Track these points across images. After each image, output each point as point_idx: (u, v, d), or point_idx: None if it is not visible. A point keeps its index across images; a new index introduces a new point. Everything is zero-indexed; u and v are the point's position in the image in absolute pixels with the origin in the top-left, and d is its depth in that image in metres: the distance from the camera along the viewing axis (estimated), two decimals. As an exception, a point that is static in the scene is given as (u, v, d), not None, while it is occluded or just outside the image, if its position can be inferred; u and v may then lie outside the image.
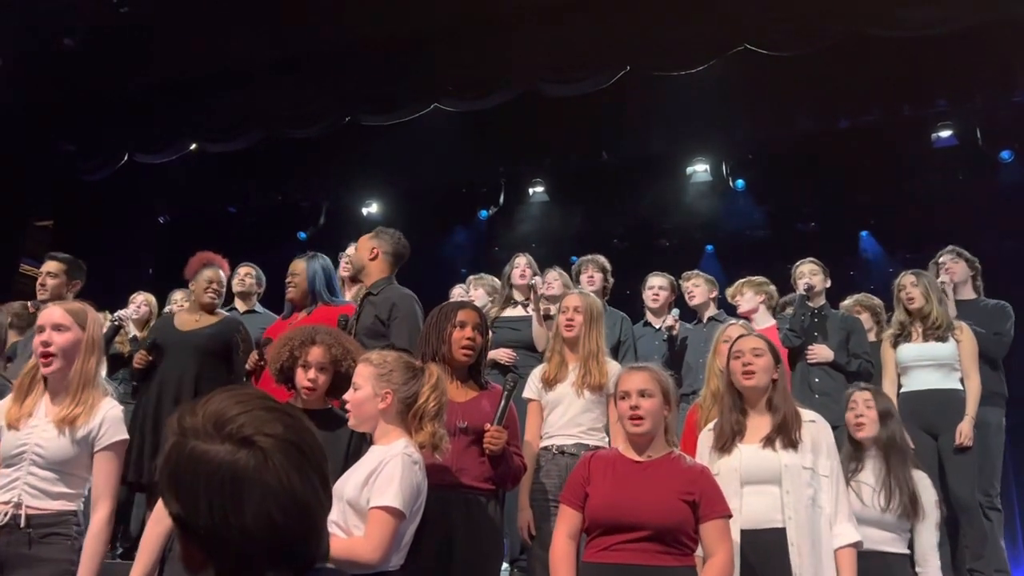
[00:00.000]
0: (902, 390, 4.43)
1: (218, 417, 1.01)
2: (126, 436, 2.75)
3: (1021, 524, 6.84)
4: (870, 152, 7.61)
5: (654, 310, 5.26)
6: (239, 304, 5.42)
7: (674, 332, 4.92)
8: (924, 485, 3.32)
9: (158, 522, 2.68)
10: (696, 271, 5.41)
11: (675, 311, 5.02)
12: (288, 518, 0.99)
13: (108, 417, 2.70)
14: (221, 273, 4.62)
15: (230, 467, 0.98)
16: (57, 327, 2.69)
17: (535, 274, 5.00)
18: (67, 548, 2.60)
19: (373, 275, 4.03)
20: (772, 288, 5.09)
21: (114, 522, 5.04)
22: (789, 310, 5.24)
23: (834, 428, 3.18)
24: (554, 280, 5.02)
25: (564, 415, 3.59)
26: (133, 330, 5.39)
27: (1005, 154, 7.44)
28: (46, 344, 2.67)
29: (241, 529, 0.97)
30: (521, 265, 5.06)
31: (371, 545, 2.33)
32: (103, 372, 2.82)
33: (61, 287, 4.74)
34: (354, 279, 4.17)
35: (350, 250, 5.07)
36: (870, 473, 3.29)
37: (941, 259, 4.92)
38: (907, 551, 3.22)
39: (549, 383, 3.66)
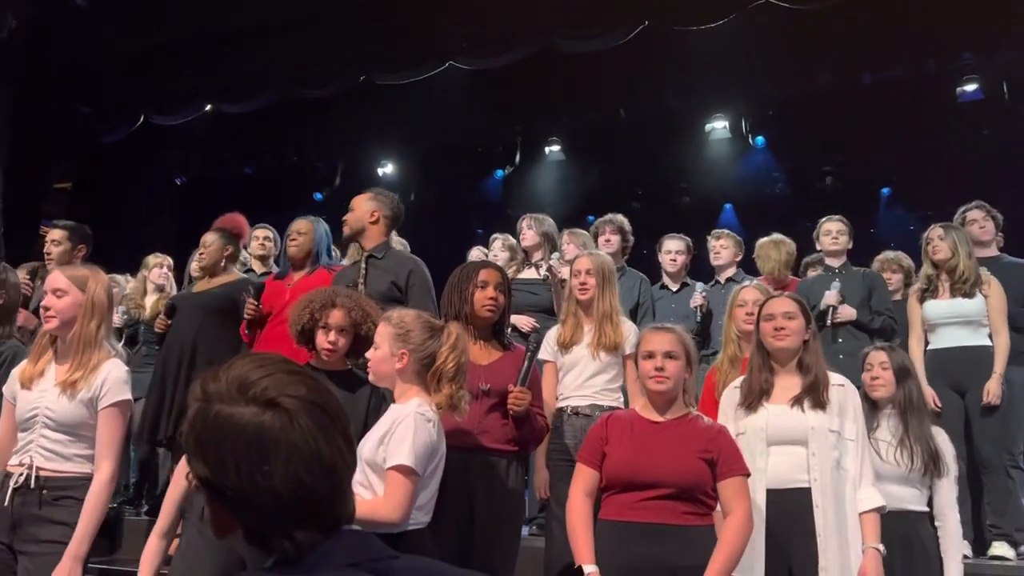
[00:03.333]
0: (929, 347, 4.36)
1: (241, 381, 1.01)
2: (129, 396, 2.76)
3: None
4: (893, 107, 7.47)
5: (671, 274, 5.21)
6: (256, 266, 5.45)
7: (703, 310, 4.85)
8: (942, 439, 3.30)
9: (177, 482, 2.71)
10: (726, 231, 5.28)
11: (700, 285, 4.93)
12: (315, 479, 0.99)
13: (110, 377, 2.71)
14: (213, 236, 4.57)
15: (256, 428, 0.98)
16: (56, 291, 2.74)
17: (544, 244, 4.89)
18: (79, 512, 2.62)
19: (373, 238, 4.01)
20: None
21: (140, 479, 5.19)
22: (811, 272, 5.19)
23: (857, 387, 3.16)
24: (567, 244, 4.97)
25: (579, 376, 3.59)
26: (170, 286, 5.44)
27: (1031, 108, 7.28)
28: (46, 308, 2.73)
29: (269, 490, 0.97)
30: (522, 228, 5.01)
31: (391, 505, 2.36)
32: (104, 333, 2.80)
33: (66, 254, 4.80)
34: (348, 240, 4.15)
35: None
36: (886, 431, 3.26)
37: (972, 214, 4.75)
38: (927, 508, 3.22)
39: (565, 345, 3.65)
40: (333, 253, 4.78)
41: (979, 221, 4.66)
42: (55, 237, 4.87)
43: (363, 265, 3.96)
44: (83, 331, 2.72)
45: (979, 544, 4.15)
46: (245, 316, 4.19)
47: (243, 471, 0.97)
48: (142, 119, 8.42)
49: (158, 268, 5.55)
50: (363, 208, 4.04)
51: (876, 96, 7.51)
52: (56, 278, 2.77)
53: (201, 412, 1.01)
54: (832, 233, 4.72)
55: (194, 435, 1.01)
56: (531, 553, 3.52)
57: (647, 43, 6.85)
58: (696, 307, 4.83)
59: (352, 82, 7.66)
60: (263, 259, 5.46)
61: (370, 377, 2.68)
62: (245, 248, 5.15)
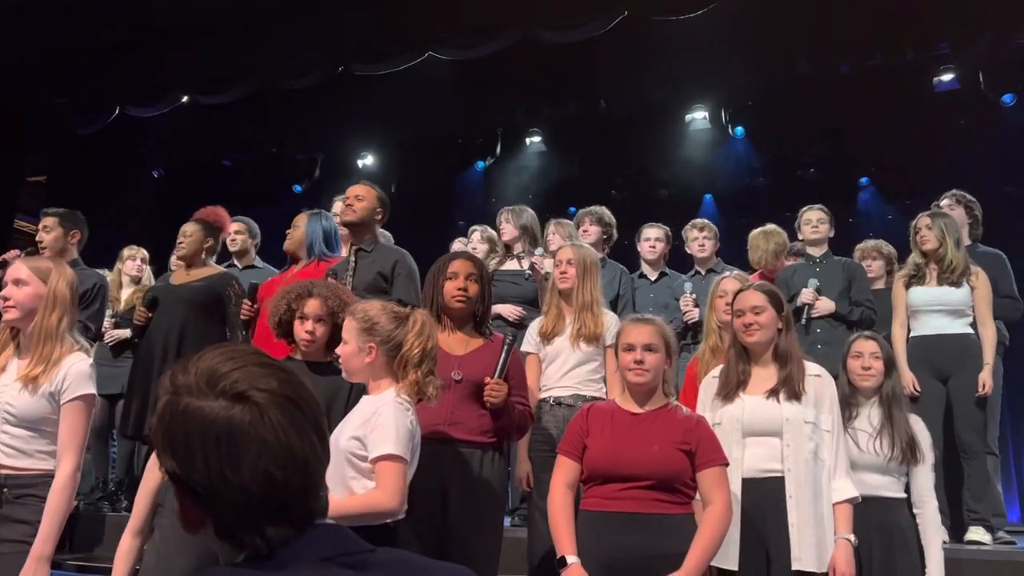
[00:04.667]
0: (912, 334, 4.39)
1: (211, 374, 0.99)
2: (92, 390, 2.70)
3: (1015, 469, 6.93)
4: (871, 97, 7.50)
5: (650, 262, 5.22)
6: (236, 262, 5.41)
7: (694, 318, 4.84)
8: (919, 428, 3.33)
9: (149, 477, 2.68)
10: (706, 221, 5.29)
11: (688, 287, 4.90)
12: (286, 474, 0.97)
13: (72, 371, 2.66)
14: (194, 227, 4.53)
15: (225, 423, 0.96)
16: (17, 282, 2.69)
17: (524, 236, 4.88)
18: (41, 510, 2.57)
19: (370, 234, 4.07)
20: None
21: (123, 476, 5.13)
22: (788, 261, 5.21)
23: (835, 377, 3.17)
24: (552, 235, 4.98)
25: (562, 368, 3.61)
26: (146, 278, 5.41)
27: (1007, 98, 7.33)
28: (5, 299, 2.69)
29: (239, 486, 0.96)
30: (501, 222, 5.02)
31: (388, 494, 2.37)
32: (67, 326, 2.74)
33: (59, 240, 4.71)
34: (349, 225, 4.11)
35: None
36: (865, 420, 3.27)
37: (941, 203, 4.86)
38: (904, 494, 3.24)
39: (547, 336, 3.66)
40: (339, 245, 4.74)
41: (944, 209, 4.74)
42: (46, 224, 4.75)
43: (352, 259, 3.98)
44: (43, 323, 2.67)
45: (956, 530, 4.20)
46: (242, 317, 4.17)
47: (212, 466, 0.95)
48: (118, 111, 8.32)
49: (132, 260, 5.50)
50: (373, 203, 4.07)
51: (854, 86, 7.54)
52: (18, 268, 2.73)
53: (169, 405, 0.99)
54: (813, 222, 4.74)
55: (163, 429, 0.99)
56: (513, 543, 3.53)
57: (627, 33, 6.84)
58: (689, 320, 4.79)
59: (330, 72, 7.60)
60: (239, 255, 5.41)
61: (343, 374, 2.66)
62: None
